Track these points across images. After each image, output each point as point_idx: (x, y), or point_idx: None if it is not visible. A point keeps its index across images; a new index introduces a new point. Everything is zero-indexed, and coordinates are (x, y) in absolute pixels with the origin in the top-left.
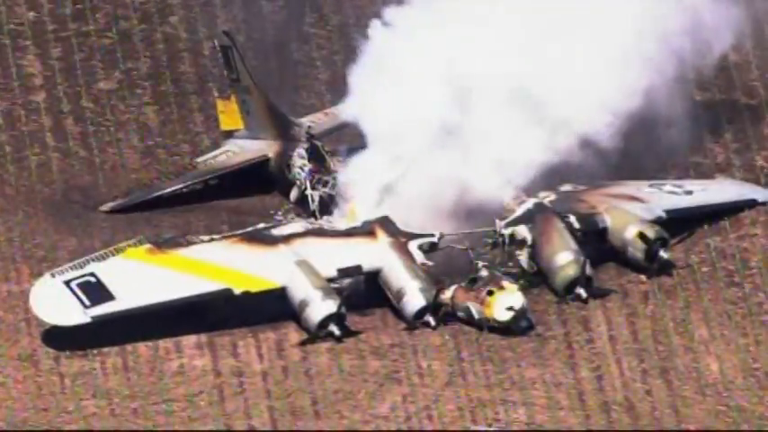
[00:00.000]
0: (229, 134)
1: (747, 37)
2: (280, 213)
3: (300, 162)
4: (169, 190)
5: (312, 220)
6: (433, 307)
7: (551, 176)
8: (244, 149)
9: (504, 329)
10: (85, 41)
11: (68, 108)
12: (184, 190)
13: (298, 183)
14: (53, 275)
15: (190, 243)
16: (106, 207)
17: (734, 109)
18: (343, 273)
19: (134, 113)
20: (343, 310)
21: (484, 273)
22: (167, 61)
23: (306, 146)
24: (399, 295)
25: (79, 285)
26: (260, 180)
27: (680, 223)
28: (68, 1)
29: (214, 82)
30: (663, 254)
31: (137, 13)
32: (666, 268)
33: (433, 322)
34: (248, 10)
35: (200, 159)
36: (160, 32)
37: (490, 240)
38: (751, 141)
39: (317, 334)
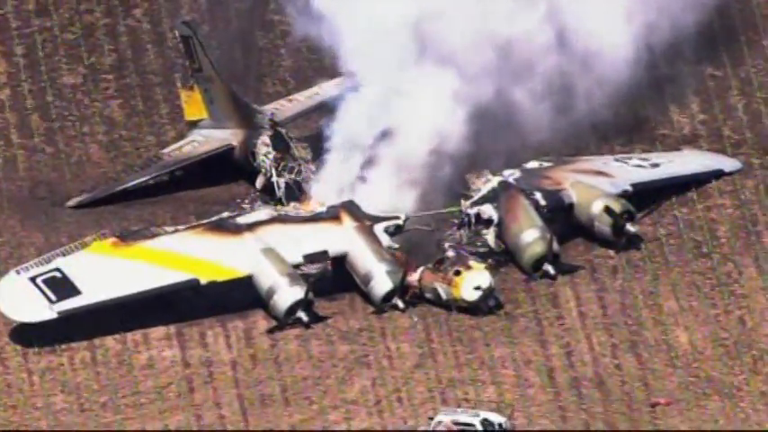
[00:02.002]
0: (194, 124)
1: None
2: (246, 201)
3: (265, 150)
4: (135, 182)
5: (278, 206)
6: (401, 289)
7: (519, 153)
8: (209, 139)
9: (473, 309)
10: (49, 37)
11: (33, 104)
12: (150, 182)
13: (263, 170)
14: (18, 272)
15: (154, 235)
16: (73, 202)
17: (700, 80)
18: (310, 258)
19: (99, 107)
20: (311, 295)
21: (451, 253)
22: (132, 54)
23: (270, 133)
24: (367, 279)
25: (45, 281)
26: (226, 169)
27: (647, 196)
28: None
29: (178, 73)
30: (630, 227)
31: (100, 6)
32: (634, 242)
33: (401, 305)
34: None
35: (165, 150)
36: (124, 25)
37: (456, 220)
38: (717, 112)
39: (286, 321)
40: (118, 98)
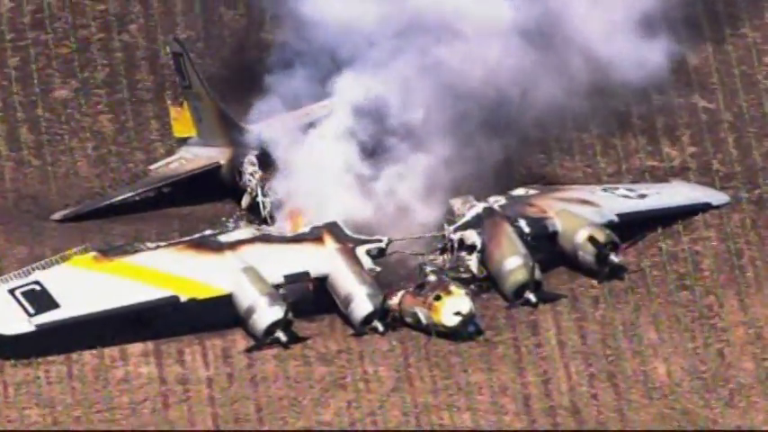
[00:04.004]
0: (183, 141)
1: (707, 40)
2: (232, 220)
3: (251, 169)
4: (121, 198)
5: (261, 226)
6: (381, 313)
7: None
8: (196, 156)
9: (452, 334)
10: (43, 50)
11: (23, 116)
12: (136, 198)
13: (249, 189)
14: None
15: (136, 250)
16: (58, 215)
17: (692, 112)
18: (291, 279)
19: (89, 121)
20: (290, 316)
21: (432, 278)
22: (125, 69)
23: (257, 152)
24: (347, 301)
25: (24, 294)
26: (212, 187)
27: (634, 227)
28: (27, 10)
29: (170, 89)
30: (613, 258)
31: (96, 21)
32: (617, 272)
33: (381, 328)
34: (208, 18)
35: (153, 167)
36: (118, 41)
37: (439, 245)
38: (708, 145)
39: (264, 340)
40: (108, 113)
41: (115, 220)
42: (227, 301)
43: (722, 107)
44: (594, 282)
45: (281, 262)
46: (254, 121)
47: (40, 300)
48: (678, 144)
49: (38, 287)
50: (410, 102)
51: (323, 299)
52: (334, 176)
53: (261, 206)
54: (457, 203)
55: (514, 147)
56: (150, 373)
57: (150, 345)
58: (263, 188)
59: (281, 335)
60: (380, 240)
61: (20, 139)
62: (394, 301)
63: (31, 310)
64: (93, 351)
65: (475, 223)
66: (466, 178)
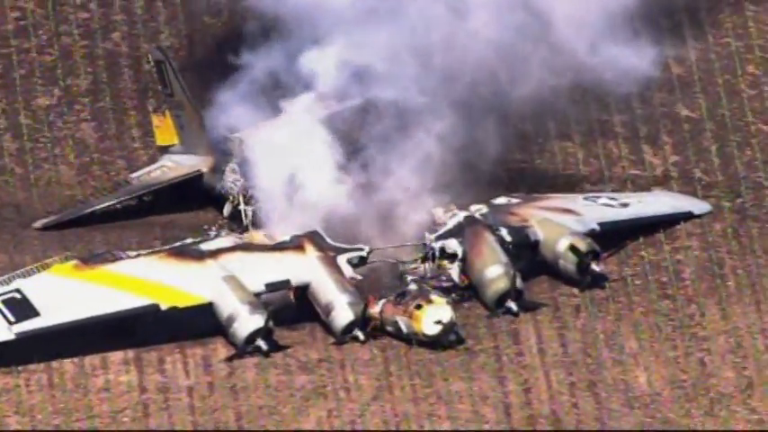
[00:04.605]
0: (166, 149)
1: (690, 48)
2: (214, 229)
3: (233, 177)
4: (103, 206)
5: (242, 234)
6: (362, 321)
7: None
8: (178, 165)
9: (433, 343)
10: (26, 58)
11: (5, 124)
12: (118, 206)
13: (231, 198)
14: None
15: (116, 259)
16: (39, 224)
17: (674, 121)
18: (272, 287)
19: (72, 129)
20: (271, 324)
21: (413, 286)
22: (107, 77)
23: (238, 160)
24: (328, 309)
25: (4, 302)
26: (195, 195)
27: (615, 236)
28: (11, 17)
29: (153, 97)
30: (594, 267)
31: (79, 29)
32: (599, 281)
33: (361, 337)
34: (191, 26)
35: (134, 175)
36: (102, 48)
37: (420, 254)
38: (690, 154)
39: (245, 349)
40: (91, 121)
41: (97, 229)
42: (207, 310)
43: (705, 116)
44: (576, 290)
45: (262, 270)
46: (237, 130)
47: (20, 308)
48: (661, 152)
49: (18, 295)
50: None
51: (304, 307)
52: (312, 168)
53: (243, 214)
54: (438, 212)
55: (498, 153)
56: (130, 382)
57: (131, 353)
58: (245, 196)
59: (261, 343)
60: (361, 249)
61: (2, 147)
62: (375, 309)
63: (12, 319)
64: (74, 359)
65: (456, 232)
66: (448, 185)
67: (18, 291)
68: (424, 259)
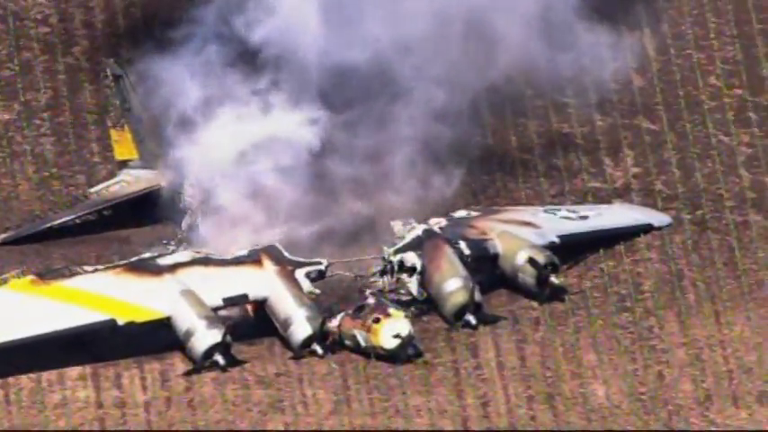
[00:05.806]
0: (125, 164)
1: (652, 61)
2: (172, 242)
3: (192, 191)
4: (61, 221)
5: (199, 249)
6: (320, 335)
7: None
8: (138, 179)
9: (392, 357)
10: None
11: None
12: (77, 221)
13: (189, 212)
14: None
15: (73, 274)
16: None
17: (635, 133)
18: (230, 302)
19: (31, 144)
20: (229, 339)
21: (371, 300)
22: (67, 92)
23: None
24: (286, 324)
25: None
26: (153, 209)
27: (576, 248)
28: None
29: (113, 112)
30: (553, 279)
31: (39, 43)
32: (558, 294)
33: (320, 351)
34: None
35: (93, 189)
36: (62, 63)
37: (379, 267)
38: (651, 166)
39: (203, 363)
40: (50, 136)
41: (55, 244)
42: (165, 325)
43: (666, 128)
44: (535, 303)
45: (219, 285)
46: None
47: None
48: (621, 165)
49: None
50: None
51: (262, 322)
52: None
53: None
54: (397, 225)
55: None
56: (88, 397)
57: (88, 368)
58: (203, 210)
59: (219, 358)
60: (320, 263)
61: None
62: (333, 323)
63: None
64: (31, 375)
65: (415, 245)
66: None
67: None
68: (383, 273)
